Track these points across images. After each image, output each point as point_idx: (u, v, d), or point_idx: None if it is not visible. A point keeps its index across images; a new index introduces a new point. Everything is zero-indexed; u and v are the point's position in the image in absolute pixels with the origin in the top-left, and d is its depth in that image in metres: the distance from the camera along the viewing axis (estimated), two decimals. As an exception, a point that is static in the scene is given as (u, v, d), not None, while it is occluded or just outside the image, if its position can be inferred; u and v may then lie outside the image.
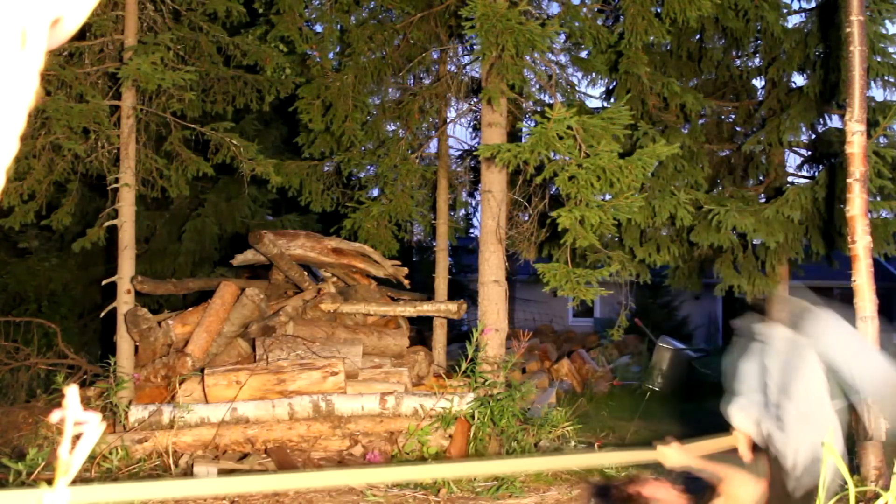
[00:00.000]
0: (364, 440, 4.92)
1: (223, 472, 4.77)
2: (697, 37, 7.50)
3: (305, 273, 6.53)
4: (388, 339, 6.11)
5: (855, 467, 3.89)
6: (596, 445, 5.33)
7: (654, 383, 9.73)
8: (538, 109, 6.50)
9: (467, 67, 7.21)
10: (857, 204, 3.49)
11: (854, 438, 3.78)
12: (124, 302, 5.80)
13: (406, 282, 6.94)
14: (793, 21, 7.61)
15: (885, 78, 6.57)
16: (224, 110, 6.79)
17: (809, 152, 7.64)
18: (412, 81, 7.28)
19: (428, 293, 7.70)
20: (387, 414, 5.03)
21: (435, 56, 6.97)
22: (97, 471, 4.25)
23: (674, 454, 2.80)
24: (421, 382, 6.02)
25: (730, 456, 2.98)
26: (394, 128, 7.15)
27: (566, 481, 4.82)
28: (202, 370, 5.32)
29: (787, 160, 7.61)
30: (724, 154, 7.72)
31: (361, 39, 6.34)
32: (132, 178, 5.89)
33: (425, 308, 6.46)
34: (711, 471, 2.80)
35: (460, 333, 10.63)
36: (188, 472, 4.71)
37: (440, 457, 4.81)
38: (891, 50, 6.48)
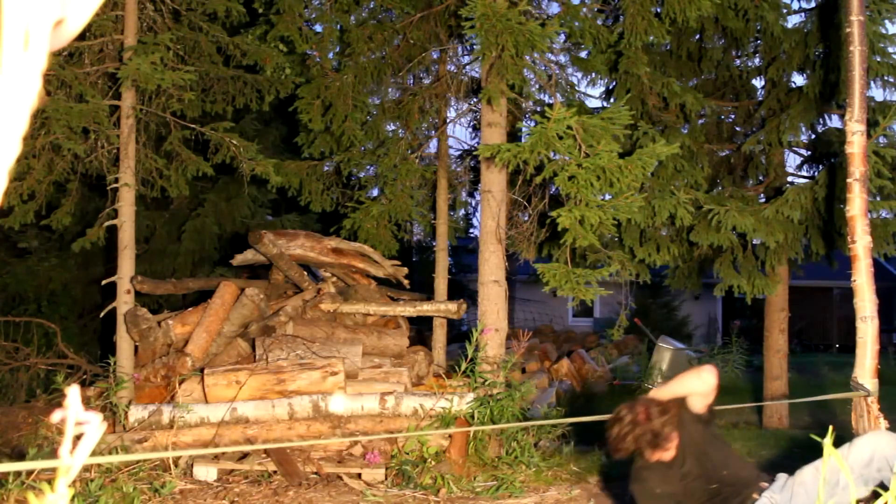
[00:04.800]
0: (364, 440, 4.92)
1: (223, 472, 4.77)
2: (697, 37, 7.49)
3: (305, 273, 6.53)
4: (387, 339, 6.11)
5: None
6: (596, 445, 5.34)
7: (654, 383, 9.73)
8: (538, 109, 6.50)
9: (467, 67, 7.21)
10: (857, 204, 3.49)
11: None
12: (124, 302, 5.79)
13: (406, 282, 6.94)
14: (793, 21, 7.58)
15: (885, 78, 6.56)
16: (224, 110, 6.78)
17: (809, 152, 7.64)
18: (412, 81, 7.27)
19: (428, 293, 7.69)
20: (386, 414, 5.04)
21: (435, 56, 6.97)
22: (97, 470, 4.25)
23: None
24: (421, 382, 6.02)
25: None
26: (394, 128, 7.14)
27: (566, 481, 4.82)
28: (202, 370, 5.32)
29: (787, 160, 7.61)
30: (724, 154, 7.71)
31: (361, 39, 6.34)
32: (132, 178, 5.89)
33: (425, 308, 6.46)
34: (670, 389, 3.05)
35: (460, 333, 10.63)
36: (188, 472, 4.71)
37: (440, 456, 4.81)
38: (891, 50, 6.47)
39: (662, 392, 3.12)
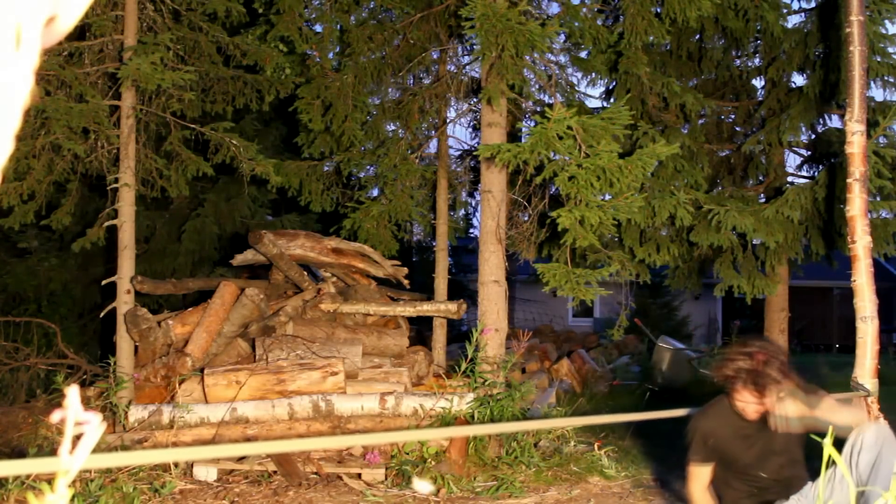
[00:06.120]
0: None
1: (223, 472, 4.77)
2: (697, 37, 7.50)
3: (305, 273, 6.53)
4: (387, 339, 6.11)
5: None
6: (595, 445, 5.33)
7: (654, 383, 9.73)
8: (538, 109, 6.50)
9: (467, 67, 7.21)
10: (856, 204, 3.48)
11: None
12: (124, 302, 5.79)
13: (406, 282, 6.94)
14: (793, 21, 7.60)
15: (885, 78, 6.57)
16: (224, 110, 6.78)
17: (809, 152, 7.64)
18: (412, 81, 7.27)
19: (428, 293, 7.69)
20: (386, 414, 5.03)
21: (435, 56, 6.97)
22: (97, 470, 4.25)
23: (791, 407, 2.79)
24: (421, 382, 6.02)
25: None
26: (394, 128, 7.15)
27: (566, 481, 4.82)
28: (202, 370, 5.32)
29: (787, 160, 7.63)
30: (724, 154, 7.72)
31: (361, 39, 6.34)
32: (132, 178, 5.89)
33: (425, 308, 6.46)
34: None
35: (460, 333, 10.63)
36: (188, 472, 4.71)
37: (440, 456, 4.81)
38: (891, 50, 6.48)
39: (824, 403, 2.86)
